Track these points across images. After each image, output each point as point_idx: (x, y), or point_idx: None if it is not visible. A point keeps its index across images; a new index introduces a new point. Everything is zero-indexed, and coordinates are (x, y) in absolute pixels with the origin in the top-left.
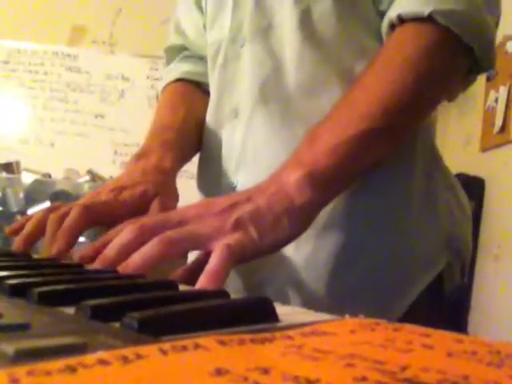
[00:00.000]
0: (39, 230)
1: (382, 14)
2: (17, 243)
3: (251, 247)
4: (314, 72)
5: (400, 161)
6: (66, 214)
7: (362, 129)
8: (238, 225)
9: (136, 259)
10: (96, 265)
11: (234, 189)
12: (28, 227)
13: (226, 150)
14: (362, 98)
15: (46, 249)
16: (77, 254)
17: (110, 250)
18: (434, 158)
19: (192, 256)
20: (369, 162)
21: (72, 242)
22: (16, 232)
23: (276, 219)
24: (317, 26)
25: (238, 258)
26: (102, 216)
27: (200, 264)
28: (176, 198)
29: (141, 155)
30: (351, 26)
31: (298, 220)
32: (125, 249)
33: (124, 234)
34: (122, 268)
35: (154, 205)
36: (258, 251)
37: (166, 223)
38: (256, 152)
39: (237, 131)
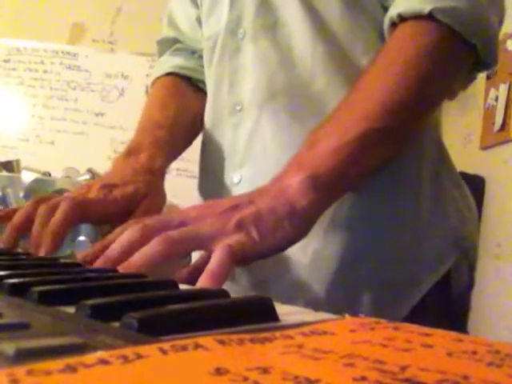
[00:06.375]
0: (27, 223)
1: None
2: (5, 236)
3: (252, 249)
4: (324, 67)
5: (408, 159)
6: (56, 207)
7: (362, 130)
8: (239, 226)
9: (137, 258)
10: (98, 265)
11: (236, 184)
12: (16, 219)
13: (229, 146)
14: (362, 99)
15: (33, 242)
16: (78, 255)
17: (113, 250)
18: (442, 157)
19: (196, 256)
20: (371, 164)
21: (59, 241)
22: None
23: (277, 222)
24: (324, 21)
25: (239, 258)
26: (91, 213)
27: (204, 264)
28: (163, 198)
29: (130, 152)
30: (358, 22)
31: (299, 223)
32: (127, 248)
33: (126, 234)
34: (124, 267)
35: (142, 206)
36: (259, 253)
37: (168, 223)
38: (264, 147)
39: (242, 126)
